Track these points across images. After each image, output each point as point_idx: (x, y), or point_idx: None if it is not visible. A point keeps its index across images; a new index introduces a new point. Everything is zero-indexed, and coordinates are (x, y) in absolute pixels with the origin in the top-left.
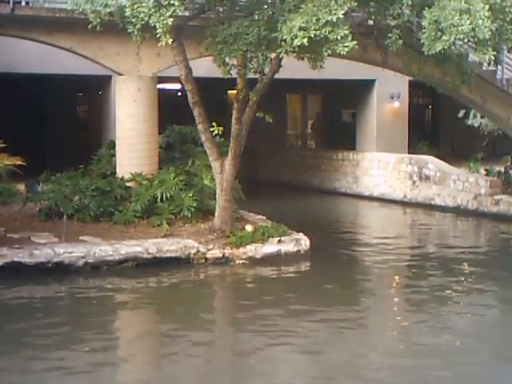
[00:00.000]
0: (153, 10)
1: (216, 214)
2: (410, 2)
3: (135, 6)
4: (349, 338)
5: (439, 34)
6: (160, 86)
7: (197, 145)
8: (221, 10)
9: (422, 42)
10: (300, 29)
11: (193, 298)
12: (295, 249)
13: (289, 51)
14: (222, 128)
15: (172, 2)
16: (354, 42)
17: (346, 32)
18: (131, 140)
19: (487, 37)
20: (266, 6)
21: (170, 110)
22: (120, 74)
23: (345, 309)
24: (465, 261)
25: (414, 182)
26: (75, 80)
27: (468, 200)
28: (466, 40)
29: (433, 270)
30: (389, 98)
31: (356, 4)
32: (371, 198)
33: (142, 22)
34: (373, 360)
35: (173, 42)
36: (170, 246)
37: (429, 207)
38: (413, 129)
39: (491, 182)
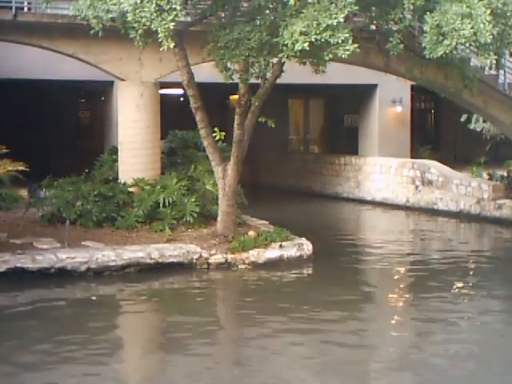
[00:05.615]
0: (154, 14)
1: (218, 219)
2: (412, 7)
3: (137, 11)
4: (346, 344)
5: (441, 38)
6: (162, 91)
7: (199, 150)
8: (223, 15)
9: (423, 46)
10: (301, 33)
11: (195, 302)
12: (298, 254)
13: (290, 56)
14: (224, 133)
15: (174, 6)
16: (355, 46)
17: (347, 36)
18: (133, 145)
19: (489, 41)
20: (267, 12)
21: (172, 116)
22: (122, 80)
23: (346, 315)
24: (467, 267)
25: (416, 187)
26: (77, 86)
27: (471, 204)
28: (467, 44)
29: (435, 277)
30: (391, 102)
31: (357, 8)
32: (373, 203)
33: (144, 27)
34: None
35: (175, 46)
36: (172, 252)
37: (431, 212)
38: (415, 133)
39: (494, 186)
